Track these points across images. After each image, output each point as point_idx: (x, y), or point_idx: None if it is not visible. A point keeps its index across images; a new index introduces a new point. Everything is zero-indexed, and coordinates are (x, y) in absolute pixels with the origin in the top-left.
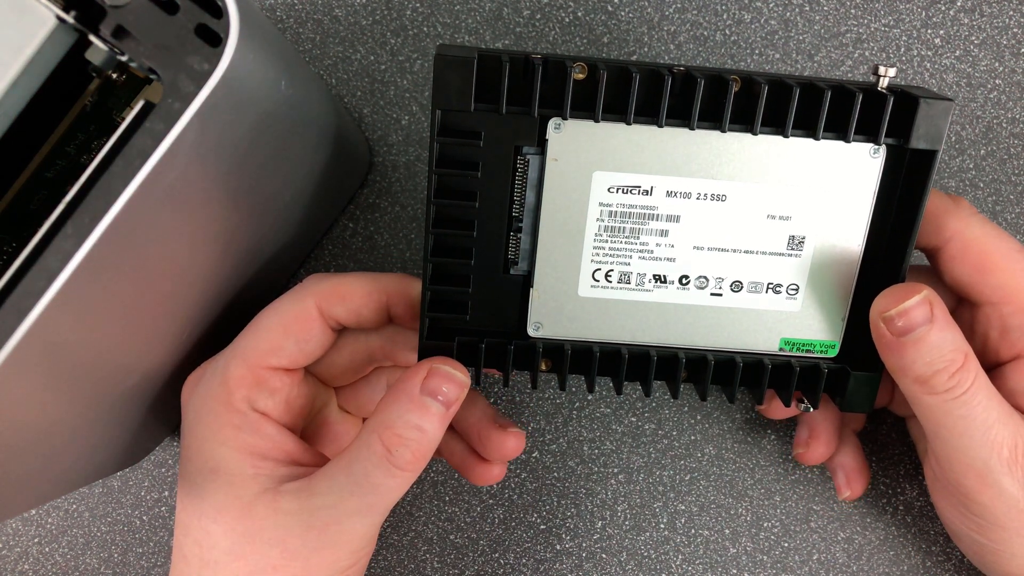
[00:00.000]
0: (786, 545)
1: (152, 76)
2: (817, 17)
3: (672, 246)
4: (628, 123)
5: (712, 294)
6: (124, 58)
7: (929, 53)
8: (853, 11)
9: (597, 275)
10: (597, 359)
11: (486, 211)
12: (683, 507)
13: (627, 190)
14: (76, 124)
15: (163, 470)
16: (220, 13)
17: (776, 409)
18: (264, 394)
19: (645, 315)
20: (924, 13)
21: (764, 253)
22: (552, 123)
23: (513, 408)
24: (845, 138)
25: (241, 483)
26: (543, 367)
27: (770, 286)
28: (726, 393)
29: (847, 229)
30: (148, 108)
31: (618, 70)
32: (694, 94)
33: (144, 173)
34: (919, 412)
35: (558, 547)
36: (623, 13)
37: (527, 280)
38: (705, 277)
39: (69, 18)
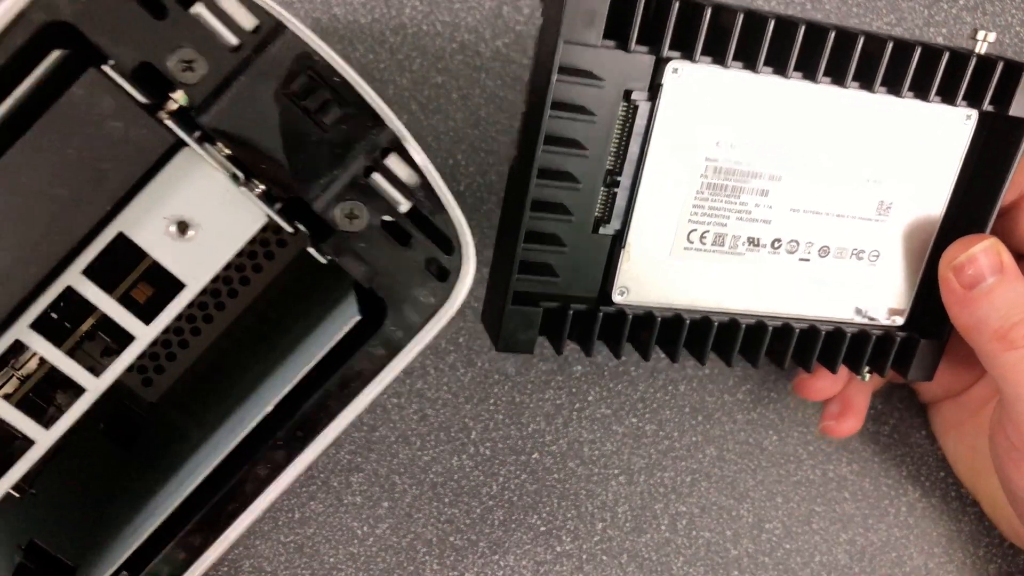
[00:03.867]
0: (788, 547)
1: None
2: (818, 16)
3: (770, 207)
4: (755, 71)
5: (800, 259)
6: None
7: None
8: (855, 9)
9: (692, 236)
10: (687, 328)
11: (584, 162)
12: (684, 509)
13: (734, 145)
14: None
15: None
16: (451, 249)
17: (817, 386)
18: None
19: (733, 280)
20: (926, 12)
21: (854, 218)
22: (670, 67)
23: (513, 408)
24: (953, 102)
25: None
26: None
27: (855, 252)
28: (801, 364)
29: (930, 196)
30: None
31: (748, 15)
32: (822, 47)
33: (363, 401)
34: (998, 373)
35: (558, 549)
36: None
37: (616, 241)
38: (796, 241)
39: (286, 226)
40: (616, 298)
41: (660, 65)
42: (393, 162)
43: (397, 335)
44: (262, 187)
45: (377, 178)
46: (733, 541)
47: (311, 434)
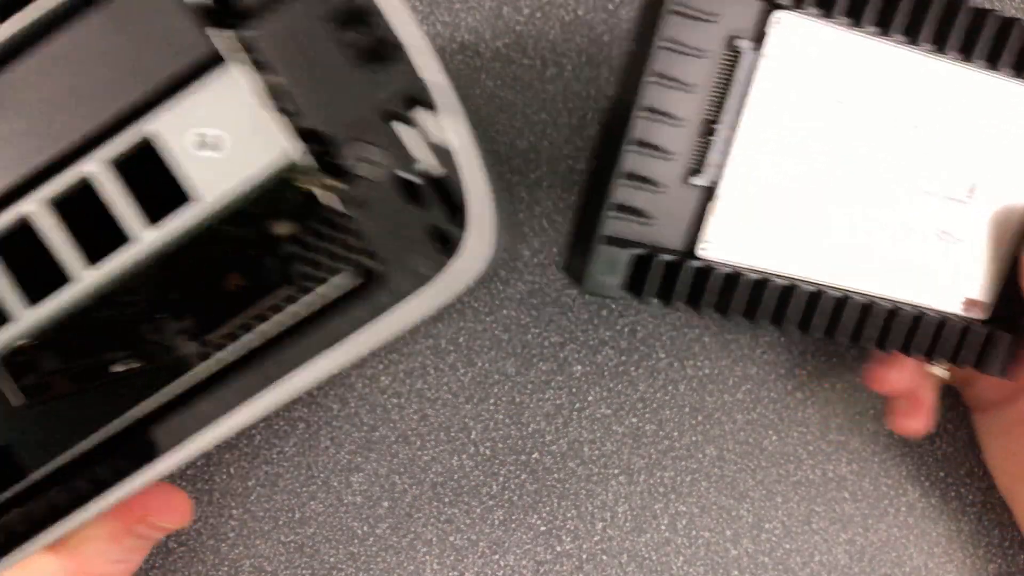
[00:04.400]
0: (788, 547)
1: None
2: None
3: (861, 176)
4: (858, 25)
5: (889, 235)
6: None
7: None
8: None
9: (783, 198)
10: (776, 293)
11: (686, 103)
12: (684, 508)
13: (832, 107)
14: None
15: None
16: (463, 222)
17: (892, 377)
18: None
19: (819, 250)
20: None
21: (943, 197)
22: (774, 16)
23: (513, 408)
24: None
25: None
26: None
27: (941, 234)
28: (880, 347)
29: (1020, 182)
30: (355, 289)
31: None
32: (927, 10)
33: (330, 363)
34: None
35: (558, 549)
36: (623, 12)
37: (707, 193)
38: (884, 214)
39: (300, 161)
40: (701, 252)
41: (768, 13)
42: (425, 118)
43: (383, 300)
44: (295, 125)
45: (402, 128)
46: (733, 541)
47: (267, 382)
